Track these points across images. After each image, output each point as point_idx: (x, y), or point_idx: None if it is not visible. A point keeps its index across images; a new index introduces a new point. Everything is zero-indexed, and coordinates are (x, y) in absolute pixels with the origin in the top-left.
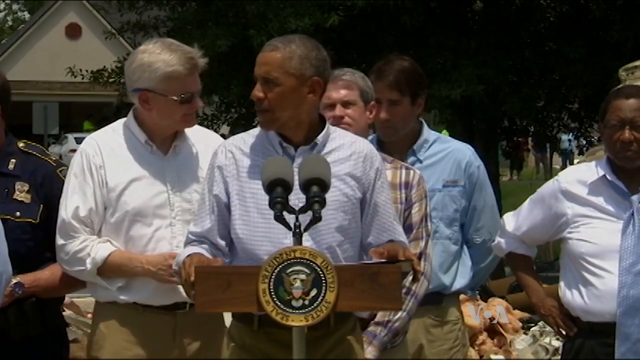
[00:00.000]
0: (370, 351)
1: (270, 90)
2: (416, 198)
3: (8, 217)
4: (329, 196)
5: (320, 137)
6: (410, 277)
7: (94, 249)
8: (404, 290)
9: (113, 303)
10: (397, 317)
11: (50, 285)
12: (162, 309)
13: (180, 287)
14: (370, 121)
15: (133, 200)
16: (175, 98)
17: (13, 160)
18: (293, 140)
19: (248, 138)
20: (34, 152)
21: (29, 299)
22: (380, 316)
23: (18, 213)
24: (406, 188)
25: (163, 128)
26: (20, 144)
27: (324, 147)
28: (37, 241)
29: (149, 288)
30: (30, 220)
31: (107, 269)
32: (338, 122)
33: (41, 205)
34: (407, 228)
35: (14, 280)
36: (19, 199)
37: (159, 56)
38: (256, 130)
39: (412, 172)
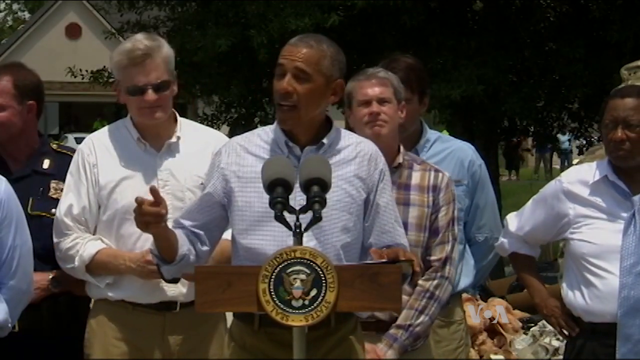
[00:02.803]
0: (390, 354)
1: (300, 85)
2: (444, 202)
3: (44, 214)
4: (335, 197)
5: (327, 138)
6: (408, 279)
7: (83, 247)
8: (427, 295)
9: (104, 300)
10: (419, 321)
11: (81, 282)
12: (151, 308)
13: (165, 285)
14: (402, 121)
15: (123, 199)
16: (125, 89)
17: (47, 160)
18: (300, 140)
19: (253, 137)
20: (68, 152)
21: (63, 295)
22: (402, 319)
23: (54, 210)
24: (434, 191)
25: (143, 123)
26: (54, 145)
27: (330, 147)
28: None
29: (136, 286)
30: None
31: (94, 267)
32: (375, 118)
33: None
34: (434, 232)
35: (50, 276)
36: (55, 196)
37: (119, 46)
38: (261, 130)
39: (440, 174)
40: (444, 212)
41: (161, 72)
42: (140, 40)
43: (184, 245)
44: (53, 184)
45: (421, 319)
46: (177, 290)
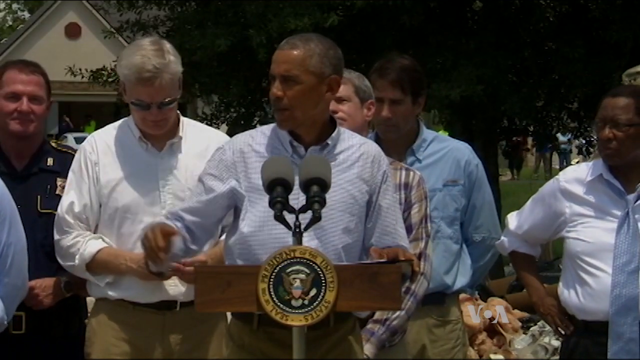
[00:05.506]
0: (367, 349)
1: (289, 88)
2: (416, 199)
3: (54, 211)
4: (337, 198)
5: (331, 138)
6: (408, 279)
7: (84, 245)
8: (403, 289)
9: (104, 299)
10: (395, 315)
11: (84, 282)
12: (151, 307)
13: (166, 285)
14: (369, 119)
15: (123, 197)
16: (129, 100)
17: (50, 158)
18: (305, 139)
19: (257, 135)
20: (68, 150)
21: (71, 296)
22: (378, 314)
23: None
24: (406, 189)
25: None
26: (53, 144)
27: (334, 147)
28: None
29: (136, 285)
30: None
31: (95, 266)
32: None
33: None
34: (407, 229)
35: (64, 280)
36: (62, 194)
37: (127, 55)
38: (264, 128)
39: (412, 173)
40: (416, 209)
41: (168, 90)
42: (149, 56)
43: (175, 243)
44: (59, 182)
45: (397, 313)
46: (177, 289)
